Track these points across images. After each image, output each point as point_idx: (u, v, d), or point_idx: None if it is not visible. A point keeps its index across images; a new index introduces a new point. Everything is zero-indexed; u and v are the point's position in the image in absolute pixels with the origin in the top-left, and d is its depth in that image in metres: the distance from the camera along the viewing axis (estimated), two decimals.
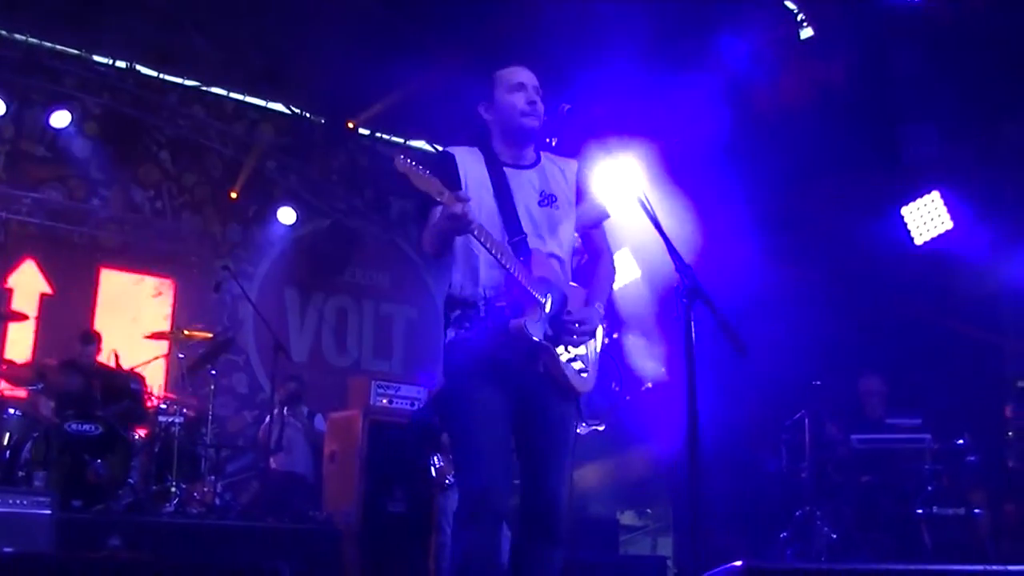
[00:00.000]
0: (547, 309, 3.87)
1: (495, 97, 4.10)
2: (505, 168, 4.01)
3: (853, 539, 6.77)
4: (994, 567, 2.03)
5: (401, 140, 11.91)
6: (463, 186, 3.87)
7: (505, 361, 3.80)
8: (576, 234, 4.15)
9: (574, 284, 4.07)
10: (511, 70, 4.15)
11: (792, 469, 7.35)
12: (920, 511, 6.72)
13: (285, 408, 9.41)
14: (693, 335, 3.58)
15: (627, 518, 10.80)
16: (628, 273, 10.07)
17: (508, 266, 3.77)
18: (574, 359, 3.97)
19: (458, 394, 3.89)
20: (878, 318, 7.74)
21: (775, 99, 7.58)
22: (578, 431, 4.17)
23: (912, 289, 7.70)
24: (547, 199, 4.03)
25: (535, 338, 3.79)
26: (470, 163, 3.98)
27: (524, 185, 4.02)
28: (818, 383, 7.18)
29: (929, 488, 6.82)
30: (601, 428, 6.37)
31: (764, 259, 7.98)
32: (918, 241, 7.55)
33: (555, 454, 3.93)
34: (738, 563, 2.00)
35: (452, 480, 6.97)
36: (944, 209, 7.47)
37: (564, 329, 3.92)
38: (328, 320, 11.82)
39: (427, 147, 11.95)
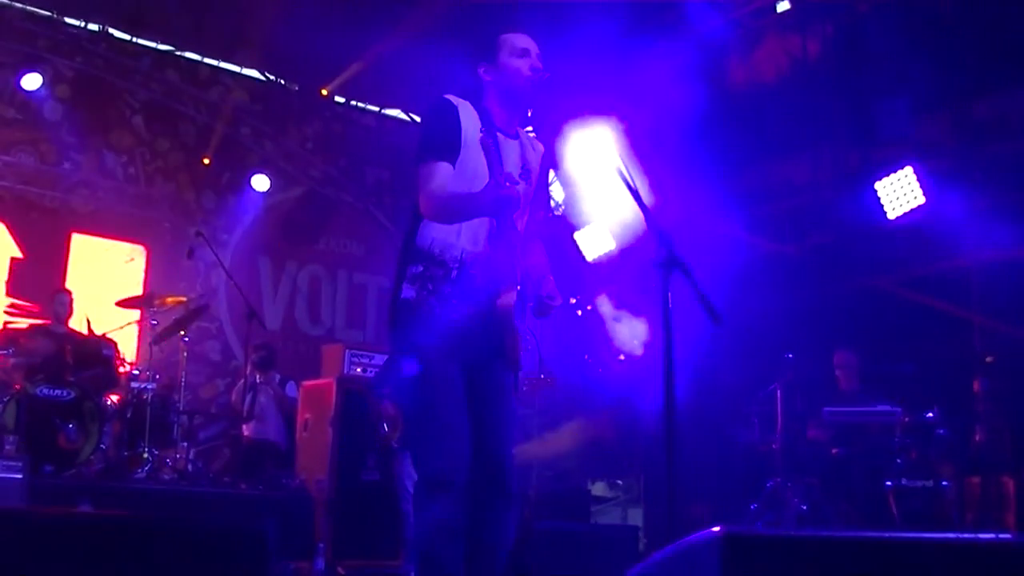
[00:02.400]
0: (518, 287, 3.86)
1: (499, 60, 4.01)
2: (497, 133, 3.93)
3: (823, 510, 6.84)
4: (964, 535, 2.05)
5: (376, 108, 11.85)
6: (462, 143, 3.83)
7: (472, 335, 3.77)
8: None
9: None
10: (517, 35, 4.10)
11: (763, 441, 7.42)
12: (889, 483, 6.80)
13: (257, 375, 9.39)
14: (670, 305, 3.56)
15: (598, 489, 10.87)
16: (603, 245, 10.11)
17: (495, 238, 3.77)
18: (525, 337, 3.98)
19: (422, 370, 3.81)
20: (851, 292, 7.80)
21: (750, 72, 7.59)
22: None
23: (885, 263, 7.75)
24: (526, 173, 4.03)
25: (515, 321, 3.77)
26: (469, 120, 3.87)
27: (511, 154, 3.96)
28: (791, 356, 7.23)
29: (898, 461, 6.91)
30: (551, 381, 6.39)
31: (738, 233, 8.01)
32: (891, 216, 7.60)
33: (504, 422, 3.94)
34: (716, 528, 2.00)
35: (396, 446, 6.96)
36: (917, 184, 7.52)
37: (541, 308, 3.94)
38: (301, 289, 11.79)
39: (403, 116, 11.90)
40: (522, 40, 4.06)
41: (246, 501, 7.71)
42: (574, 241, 10.29)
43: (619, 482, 10.92)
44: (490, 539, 3.91)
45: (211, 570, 2.92)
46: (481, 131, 3.81)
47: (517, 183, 3.62)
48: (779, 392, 7.18)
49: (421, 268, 3.82)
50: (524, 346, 3.95)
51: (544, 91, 4.01)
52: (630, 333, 7.75)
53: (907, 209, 7.57)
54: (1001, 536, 2.10)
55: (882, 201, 7.58)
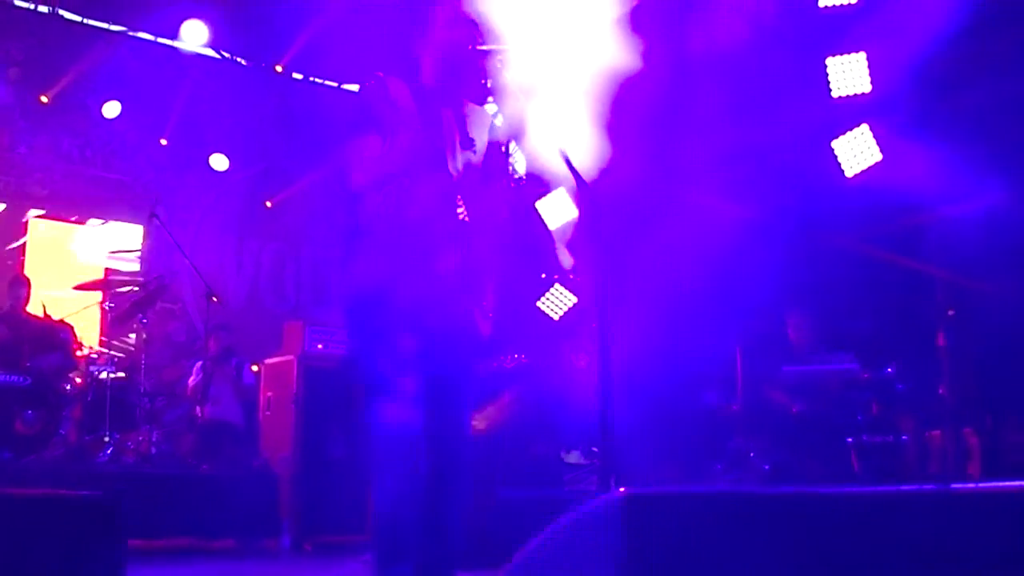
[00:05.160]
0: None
1: (433, 33, 3.99)
2: (436, 107, 3.87)
3: (785, 469, 6.84)
4: (847, 488, 2.07)
5: (335, 84, 11.72)
6: (394, 119, 3.78)
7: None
8: None
9: None
10: (453, 4, 4.04)
11: (725, 402, 7.42)
12: (850, 439, 6.82)
13: (215, 363, 9.32)
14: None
15: (574, 458, 10.86)
16: (565, 213, 10.05)
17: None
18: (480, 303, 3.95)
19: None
20: (811, 251, 7.78)
21: (705, 31, 7.53)
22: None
23: (844, 222, 7.73)
24: (468, 143, 3.98)
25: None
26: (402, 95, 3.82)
27: (450, 124, 3.94)
28: (750, 316, 7.23)
29: (859, 417, 6.92)
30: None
31: (696, 194, 7.97)
32: (848, 174, 7.57)
33: (458, 390, 3.94)
34: (621, 490, 1.97)
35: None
36: (873, 141, 7.49)
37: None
38: (264, 266, 11.71)
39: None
40: (459, 9, 4.00)
41: (209, 482, 7.64)
42: (536, 211, 10.23)
43: (594, 449, 10.92)
44: (445, 510, 3.90)
45: (60, 542, 2.89)
46: (416, 106, 3.77)
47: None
48: (738, 353, 7.18)
49: None
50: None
51: (486, 62, 3.94)
52: None
53: (865, 167, 7.54)
54: (883, 488, 2.09)
55: (839, 159, 7.56)
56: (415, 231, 3.77)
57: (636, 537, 1.84)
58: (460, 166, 3.90)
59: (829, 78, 7.53)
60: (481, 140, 4.02)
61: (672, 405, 7.70)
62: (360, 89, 3.88)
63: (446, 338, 3.87)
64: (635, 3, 7.51)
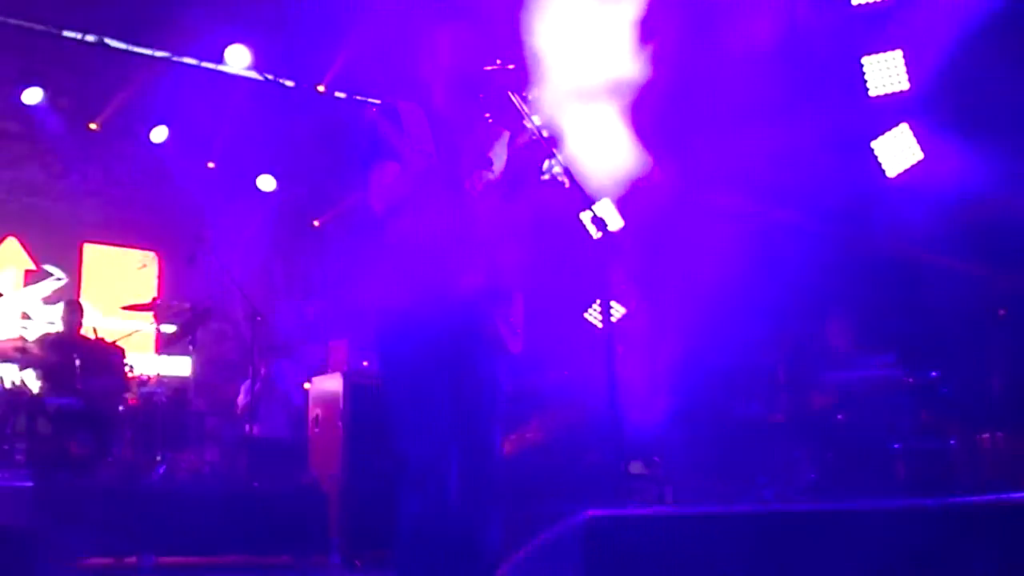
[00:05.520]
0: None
1: (439, 59, 4.02)
2: (447, 130, 3.92)
3: (831, 478, 6.74)
4: (828, 505, 2.03)
5: (378, 100, 11.78)
6: (407, 146, 3.83)
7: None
8: None
9: None
10: (456, 25, 4.07)
11: (767, 412, 7.32)
12: (897, 446, 6.69)
13: (267, 383, 9.45)
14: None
15: (637, 468, 10.79)
16: (611, 223, 10.01)
17: None
18: (507, 320, 3.96)
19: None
20: (852, 254, 7.66)
21: (738, 33, 7.45)
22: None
23: (886, 222, 7.60)
24: (485, 161, 4.01)
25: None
26: (415, 123, 3.85)
27: (465, 144, 3.95)
28: (790, 322, 7.13)
29: (904, 422, 6.79)
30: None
31: (734, 199, 7.90)
32: (890, 174, 7.46)
33: (488, 408, 3.93)
34: (588, 513, 1.97)
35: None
36: (913, 140, 7.37)
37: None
38: (313, 284, 11.81)
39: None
40: (462, 32, 4.02)
41: (259, 500, 7.73)
42: (580, 222, 10.20)
43: (656, 459, 10.85)
44: (477, 528, 3.90)
45: None
46: (429, 131, 3.81)
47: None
48: (780, 362, 7.09)
49: None
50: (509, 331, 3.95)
51: (499, 80, 3.95)
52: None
53: (906, 166, 7.42)
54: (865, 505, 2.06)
55: (880, 160, 7.45)
56: (434, 254, 3.80)
57: (597, 561, 1.83)
58: (478, 185, 3.92)
59: (866, 77, 7.44)
60: (500, 157, 4.04)
61: (714, 416, 7.62)
62: (374, 115, 3.91)
63: (472, 357, 3.88)
64: (667, 7, 7.51)
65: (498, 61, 3.98)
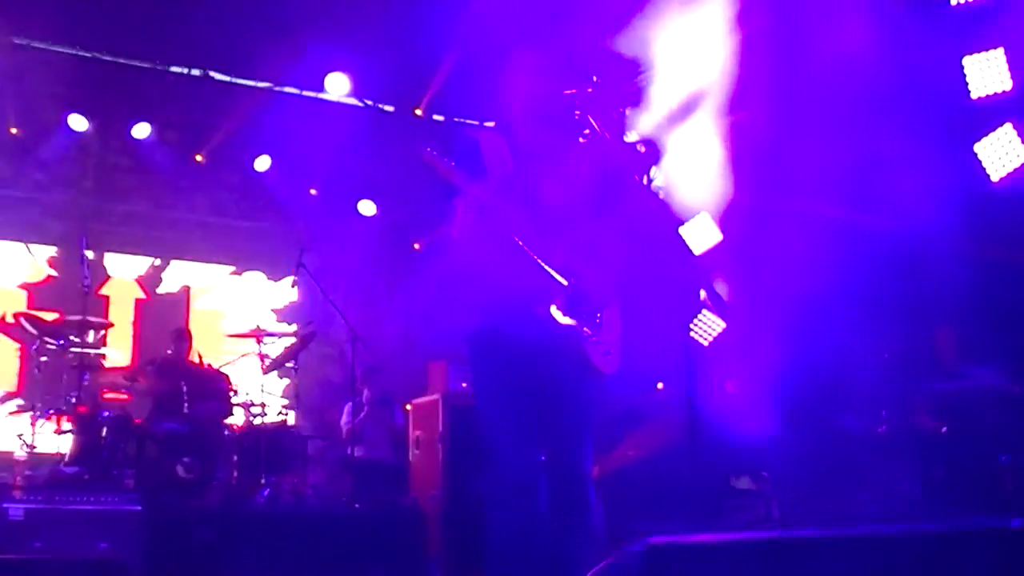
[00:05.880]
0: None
1: (520, 85, 4.10)
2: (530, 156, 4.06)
3: (936, 493, 6.51)
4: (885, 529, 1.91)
5: (476, 122, 11.85)
6: (492, 175, 3.92)
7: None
8: None
9: None
10: (536, 53, 4.12)
11: (869, 426, 7.12)
12: (1004, 459, 6.43)
13: (370, 405, 9.55)
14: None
15: (744, 483, 10.58)
16: (709, 237, 9.86)
17: None
18: (596, 340, 3.91)
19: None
20: (958, 262, 7.38)
21: (834, 38, 7.28)
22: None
23: (992, 229, 7.31)
24: (567, 184, 4.10)
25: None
26: (496, 153, 3.99)
27: (545, 170, 4.07)
28: (893, 333, 6.92)
29: (1012, 435, 6.52)
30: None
31: (832, 210, 7.72)
32: (994, 178, 7.16)
33: (576, 429, 3.94)
34: (648, 541, 1.92)
35: None
36: (1019, 141, 7.07)
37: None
38: (416, 307, 11.89)
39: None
40: (540, 57, 4.05)
41: (361, 522, 7.81)
42: (680, 236, 10.07)
43: (764, 474, 10.62)
44: (568, 546, 3.90)
45: None
46: (511, 159, 3.86)
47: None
48: (882, 375, 6.89)
49: None
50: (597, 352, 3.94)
51: (584, 103, 3.97)
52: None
53: (1011, 169, 7.12)
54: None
55: (984, 164, 7.17)
56: (513, 279, 3.82)
57: None
58: (558, 209, 3.93)
59: (967, 78, 7.18)
60: (582, 177, 4.03)
61: (817, 430, 7.43)
62: (456, 146, 3.98)
63: (557, 377, 3.88)
64: (762, 15, 7.41)
65: (594, 79, 3.99)
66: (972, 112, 7.20)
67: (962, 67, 7.11)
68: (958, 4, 7.16)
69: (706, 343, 9.74)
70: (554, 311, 3.83)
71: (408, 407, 9.31)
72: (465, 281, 4.04)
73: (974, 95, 7.15)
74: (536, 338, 3.83)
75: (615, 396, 6.73)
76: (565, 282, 3.85)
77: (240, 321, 10.56)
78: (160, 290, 10.89)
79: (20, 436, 7.68)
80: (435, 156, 3.68)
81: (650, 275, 8.16)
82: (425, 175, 3.77)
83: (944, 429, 6.79)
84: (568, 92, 3.99)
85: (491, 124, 4.09)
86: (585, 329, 3.91)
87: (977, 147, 7.16)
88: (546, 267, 3.81)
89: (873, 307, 7.22)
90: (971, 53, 7.13)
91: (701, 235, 9.99)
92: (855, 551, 1.91)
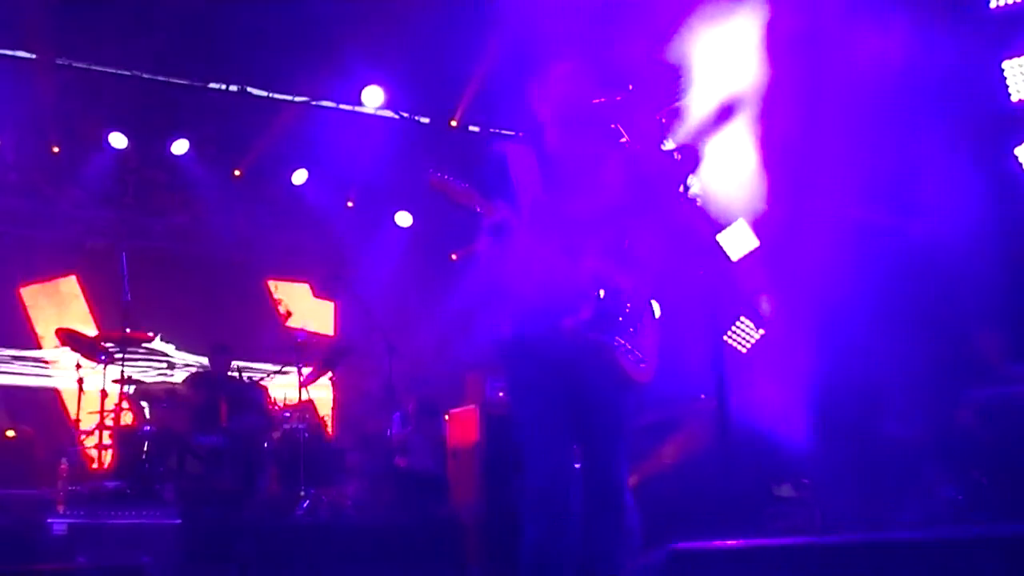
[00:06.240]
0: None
1: (550, 91, 4.15)
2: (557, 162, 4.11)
3: (979, 497, 6.41)
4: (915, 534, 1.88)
5: (512, 132, 11.86)
6: (518, 184, 3.95)
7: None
8: None
9: None
10: (566, 60, 4.14)
11: (909, 431, 7.02)
12: None
13: (416, 418, 9.58)
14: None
15: (785, 491, 10.48)
16: (747, 244, 9.79)
17: None
18: (629, 350, 3.90)
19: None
20: (1000, 265, 7.27)
21: (872, 42, 7.21)
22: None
23: None
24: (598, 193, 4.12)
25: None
26: (521, 162, 4.05)
27: (575, 181, 4.10)
28: (933, 336, 6.84)
29: None
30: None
31: (871, 214, 7.65)
32: None
33: (610, 438, 3.92)
34: (671, 546, 1.91)
35: None
36: None
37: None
38: (453, 318, 11.90)
39: None
40: (571, 64, 4.06)
41: (399, 532, 7.81)
42: (717, 244, 10.02)
43: (806, 481, 10.52)
44: (602, 553, 3.89)
45: None
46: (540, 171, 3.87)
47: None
48: (922, 379, 6.80)
49: None
50: (630, 360, 3.92)
51: (616, 111, 3.98)
52: None
53: None
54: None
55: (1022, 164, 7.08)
56: (540, 290, 3.82)
57: None
58: (589, 217, 3.93)
59: (1007, 82, 7.09)
60: (615, 185, 4.03)
61: (858, 435, 7.35)
62: (485, 159, 4.00)
63: (588, 386, 3.86)
64: (795, 18, 7.36)
65: (629, 87, 4.00)
66: (1012, 115, 7.11)
67: (1002, 70, 7.04)
68: (997, 7, 7.09)
69: (744, 350, 9.69)
70: (580, 324, 3.81)
71: (446, 417, 9.34)
72: (493, 292, 4.05)
73: (1014, 98, 7.07)
74: (563, 349, 3.81)
75: (651, 404, 6.71)
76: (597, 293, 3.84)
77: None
78: (199, 303, 10.96)
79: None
80: (444, 180, 3.69)
81: (687, 282, 8.12)
82: (440, 200, 3.79)
83: (986, 433, 6.69)
84: (597, 101, 3.99)
85: (520, 134, 4.09)
86: (618, 339, 3.88)
87: (1018, 150, 7.08)
88: (577, 276, 3.80)
89: (911, 311, 7.13)
90: (1011, 57, 7.06)
91: (738, 242, 9.94)
92: (875, 556, 1.88)
